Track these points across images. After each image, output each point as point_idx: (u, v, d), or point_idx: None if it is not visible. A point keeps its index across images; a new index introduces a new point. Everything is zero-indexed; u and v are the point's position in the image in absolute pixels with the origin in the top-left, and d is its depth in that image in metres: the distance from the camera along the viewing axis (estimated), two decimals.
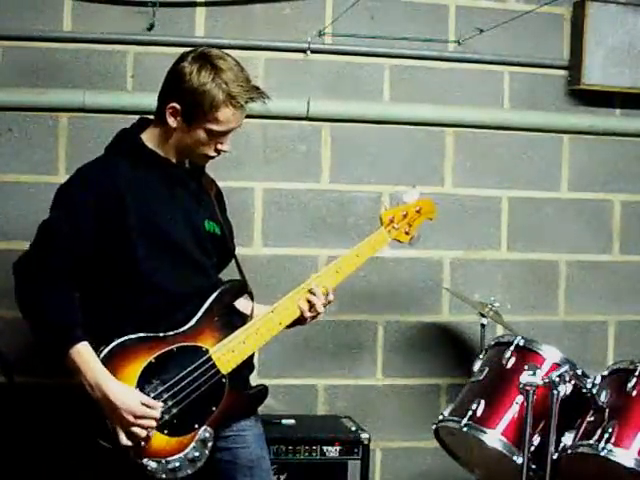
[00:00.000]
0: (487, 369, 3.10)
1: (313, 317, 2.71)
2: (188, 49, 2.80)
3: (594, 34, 3.91)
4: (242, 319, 2.67)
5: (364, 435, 3.51)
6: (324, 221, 3.87)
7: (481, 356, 3.21)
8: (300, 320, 2.70)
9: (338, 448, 3.47)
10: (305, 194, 3.87)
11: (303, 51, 3.81)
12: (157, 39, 3.67)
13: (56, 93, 3.61)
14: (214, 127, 2.54)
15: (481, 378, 3.09)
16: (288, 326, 2.70)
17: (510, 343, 3.09)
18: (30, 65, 3.60)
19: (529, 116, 4.02)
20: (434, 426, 3.12)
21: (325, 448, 3.46)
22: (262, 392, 2.69)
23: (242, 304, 2.72)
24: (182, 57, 2.59)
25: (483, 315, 3.59)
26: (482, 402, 2.97)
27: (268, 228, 3.82)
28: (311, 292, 2.68)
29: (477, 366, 3.17)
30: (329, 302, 2.72)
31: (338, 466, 3.49)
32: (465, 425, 2.95)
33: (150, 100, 3.60)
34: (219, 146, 2.59)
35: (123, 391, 2.41)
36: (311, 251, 3.86)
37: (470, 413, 2.96)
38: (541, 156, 4.06)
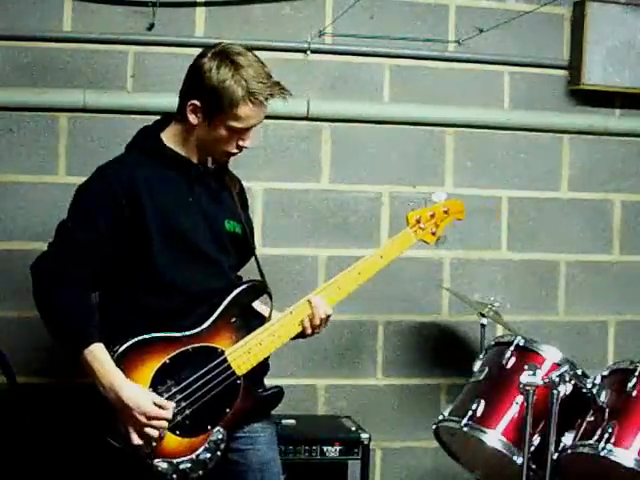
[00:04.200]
0: (487, 369, 3.10)
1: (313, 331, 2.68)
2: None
3: (594, 34, 3.91)
4: (260, 320, 2.64)
5: (364, 435, 3.51)
6: (324, 221, 3.87)
7: (481, 356, 3.20)
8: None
9: (338, 448, 3.47)
10: (305, 194, 3.86)
11: (303, 51, 3.80)
12: (157, 39, 3.67)
13: (56, 93, 3.61)
14: (234, 124, 2.52)
15: (481, 378, 3.09)
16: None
17: (510, 343, 3.08)
18: (30, 65, 3.60)
19: (529, 116, 4.02)
20: (434, 426, 3.12)
21: (325, 448, 3.46)
22: (277, 394, 2.66)
23: (261, 308, 2.71)
24: (203, 53, 2.56)
25: (483, 315, 3.59)
26: (482, 402, 2.97)
27: (268, 228, 3.81)
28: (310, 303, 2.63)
29: (477, 366, 3.16)
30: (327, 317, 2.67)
31: (338, 466, 3.49)
32: (465, 425, 2.95)
33: (150, 100, 3.65)
34: (240, 142, 2.58)
35: (136, 392, 2.40)
36: (311, 251, 3.85)
37: (470, 413, 2.95)
38: (541, 156, 4.05)
